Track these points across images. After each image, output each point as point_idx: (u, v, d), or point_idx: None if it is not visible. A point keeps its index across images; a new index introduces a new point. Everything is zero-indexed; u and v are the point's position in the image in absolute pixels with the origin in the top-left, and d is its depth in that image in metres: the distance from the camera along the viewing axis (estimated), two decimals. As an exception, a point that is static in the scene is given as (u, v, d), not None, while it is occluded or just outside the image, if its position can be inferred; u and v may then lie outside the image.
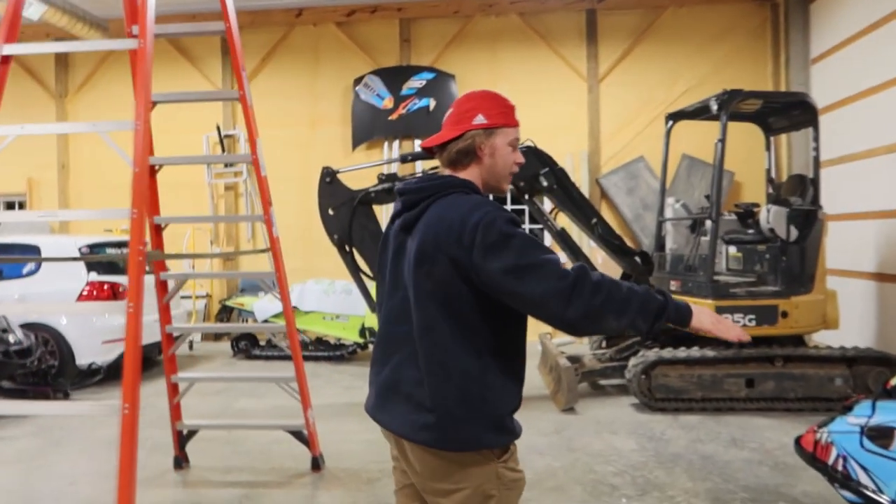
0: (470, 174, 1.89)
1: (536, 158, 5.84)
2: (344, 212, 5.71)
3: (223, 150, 9.69)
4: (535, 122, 9.12)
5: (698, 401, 5.57)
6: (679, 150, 8.84)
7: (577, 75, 9.43)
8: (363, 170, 6.38)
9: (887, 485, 2.76)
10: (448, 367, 1.76)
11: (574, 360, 6.13)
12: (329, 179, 5.79)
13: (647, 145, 8.97)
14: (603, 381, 6.31)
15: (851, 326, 6.77)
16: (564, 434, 4.95)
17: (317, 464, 4.27)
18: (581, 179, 9.06)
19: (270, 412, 5.65)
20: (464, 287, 1.76)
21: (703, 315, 1.78)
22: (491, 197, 1.97)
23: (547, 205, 6.38)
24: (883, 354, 5.73)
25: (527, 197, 6.08)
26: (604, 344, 6.77)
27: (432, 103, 9.55)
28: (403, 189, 1.94)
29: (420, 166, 8.59)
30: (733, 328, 1.80)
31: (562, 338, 7.28)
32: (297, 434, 4.26)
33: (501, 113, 1.88)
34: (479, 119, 1.85)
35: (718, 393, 5.57)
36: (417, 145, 9.19)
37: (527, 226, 9.14)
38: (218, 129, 9.64)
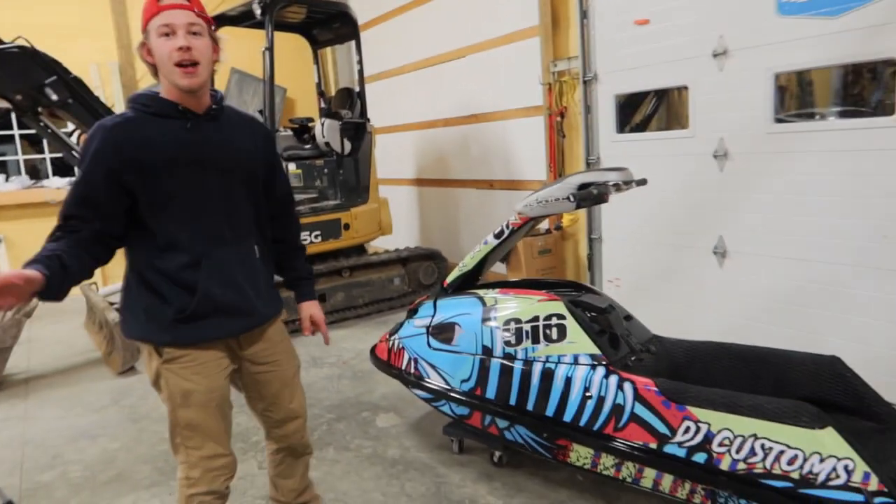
0: (161, 83, 1.83)
1: (38, 64, 4.47)
2: None
3: None
4: (42, 19, 7.19)
5: (276, 327, 5.32)
6: (229, 65, 8.17)
7: (94, -34, 7.69)
8: None
9: (452, 376, 2.89)
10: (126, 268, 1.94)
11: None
12: None
13: (192, 57, 8.00)
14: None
15: (402, 229, 7.45)
16: (124, 403, 4.07)
17: None
18: (113, 95, 7.59)
19: None
20: None
21: None
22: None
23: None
24: (428, 250, 6.41)
25: (32, 115, 4.67)
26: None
27: None
28: None
29: None
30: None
31: (111, 285, 6.09)
32: None
33: (143, 11, 1.77)
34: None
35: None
36: None
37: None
38: None
